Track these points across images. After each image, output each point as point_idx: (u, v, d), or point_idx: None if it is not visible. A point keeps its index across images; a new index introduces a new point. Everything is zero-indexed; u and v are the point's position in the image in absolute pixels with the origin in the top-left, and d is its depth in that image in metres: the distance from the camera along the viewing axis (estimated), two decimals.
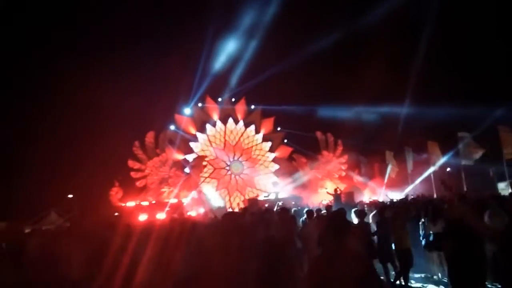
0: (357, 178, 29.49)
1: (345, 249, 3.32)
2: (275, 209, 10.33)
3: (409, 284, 7.94)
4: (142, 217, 15.21)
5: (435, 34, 25.67)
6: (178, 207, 21.68)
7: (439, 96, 25.91)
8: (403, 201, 14.52)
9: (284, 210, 7.78)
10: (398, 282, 7.71)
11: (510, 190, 16.78)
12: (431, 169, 24.39)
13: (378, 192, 26.63)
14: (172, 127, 28.17)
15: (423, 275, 8.82)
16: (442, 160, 24.16)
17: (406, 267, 7.65)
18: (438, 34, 25.82)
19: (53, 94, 24.93)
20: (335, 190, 20.98)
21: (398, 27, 27.09)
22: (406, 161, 27.18)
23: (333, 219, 3.61)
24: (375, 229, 8.43)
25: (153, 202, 23.25)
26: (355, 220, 8.38)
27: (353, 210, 8.68)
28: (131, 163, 26.54)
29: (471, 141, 21.80)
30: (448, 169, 26.02)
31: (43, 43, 24.85)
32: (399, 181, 27.61)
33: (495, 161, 21.90)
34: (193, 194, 25.80)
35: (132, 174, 26.49)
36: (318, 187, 28.67)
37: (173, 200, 23.44)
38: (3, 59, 23.71)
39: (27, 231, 11.46)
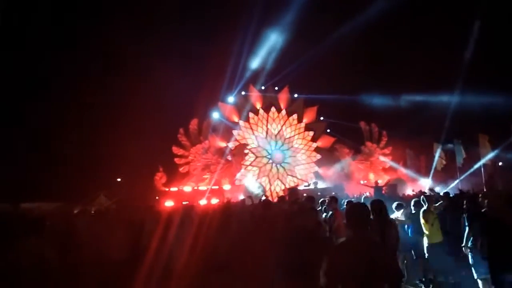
0: (402, 170, 28.63)
1: (364, 239, 3.38)
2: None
3: None
4: (168, 203, 15.81)
5: (489, 19, 24.09)
6: (219, 194, 22.21)
7: (491, 86, 24.40)
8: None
9: (309, 199, 7.75)
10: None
11: None
12: (480, 163, 23.20)
13: (423, 185, 25.72)
14: (215, 115, 28.60)
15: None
16: (492, 153, 22.89)
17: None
18: (491, 19, 24.20)
19: (105, 82, 26.08)
20: (376, 182, 20.52)
21: (447, 9, 25.68)
22: (456, 154, 26.03)
23: (353, 210, 3.55)
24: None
25: (195, 188, 23.91)
26: (396, 214, 8.26)
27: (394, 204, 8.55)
28: (175, 149, 27.31)
29: None
30: (500, 163, 24.66)
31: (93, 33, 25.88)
32: (447, 175, 26.54)
33: None
34: (234, 181, 26.23)
35: (176, 160, 27.25)
36: (361, 178, 28.18)
37: (214, 187, 23.97)
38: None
39: (75, 211, 12.03)
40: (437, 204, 8.32)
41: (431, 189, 12.04)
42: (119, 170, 26.55)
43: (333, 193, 22.77)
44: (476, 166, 23.78)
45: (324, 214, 8.37)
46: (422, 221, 7.75)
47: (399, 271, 3.40)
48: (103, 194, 22.34)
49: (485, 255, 5.30)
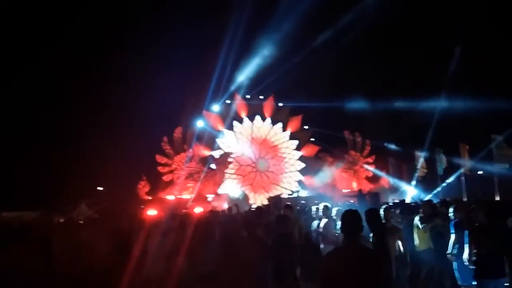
0: (385, 179, 28.98)
1: (356, 246, 3.42)
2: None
3: None
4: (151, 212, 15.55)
5: (471, 29, 24.76)
6: (203, 202, 22.04)
7: (473, 95, 25.05)
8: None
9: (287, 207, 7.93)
10: None
11: None
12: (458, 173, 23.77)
13: (405, 193, 26.09)
14: (200, 123, 28.49)
15: None
16: (470, 163, 23.47)
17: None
18: (473, 29, 24.87)
19: (85, 90, 25.79)
20: (359, 190, 20.71)
21: (432, 17, 26.24)
22: (437, 162, 26.53)
23: (345, 217, 3.59)
24: None
25: (179, 196, 23.69)
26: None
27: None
28: (158, 158, 27.07)
29: (503, 144, 21.04)
30: (480, 172, 25.19)
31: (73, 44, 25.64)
32: (428, 183, 26.99)
33: None
34: (218, 189, 26.10)
35: (160, 168, 27.01)
36: (344, 187, 28.41)
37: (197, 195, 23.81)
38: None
39: (61, 220, 11.81)
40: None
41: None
42: (101, 179, 26.16)
43: (316, 201, 22.89)
44: (455, 175, 24.30)
45: (317, 221, 8.31)
46: (419, 227, 7.77)
47: (390, 279, 3.49)
48: (85, 203, 21.95)
49: (472, 262, 5.39)
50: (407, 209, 10.75)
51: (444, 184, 25.55)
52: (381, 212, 6.36)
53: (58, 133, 24.66)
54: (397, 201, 17.60)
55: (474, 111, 23.63)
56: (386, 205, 8.39)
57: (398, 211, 9.89)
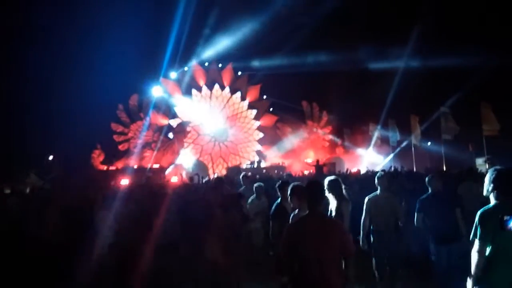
0: (340, 149, 29.84)
1: (316, 215, 3.54)
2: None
3: None
4: (124, 181, 15.14)
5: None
6: (159, 172, 21.77)
7: (424, 70, 25.96)
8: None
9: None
10: None
11: (487, 166, 17.18)
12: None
13: (360, 163, 27.02)
14: (157, 91, 27.67)
15: None
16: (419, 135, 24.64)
17: None
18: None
19: (35, 52, 24.14)
20: (317, 161, 21.18)
21: None
22: (390, 133, 27.56)
23: (307, 188, 3.72)
24: None
25: (135, 167, 23.20)
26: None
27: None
28: (114, 125, 26.18)
29: (450, 117, 22.15)
30: (429, 143, 26.45)
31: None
32: (382, 154, 28.11)
33: (474, 137, 22.34)
34: (176, 159, 25.79)
35: (115, 137, 26.19)
36: (302, 157, 28.95)
37: (155, 165, 23.45)
38: None
39: (6, 191, 11.29)
40: None
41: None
42: (51, 148, 25.04)
43: (276, 171, 23.28)
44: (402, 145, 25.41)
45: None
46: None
47: (352, 245, 3.56)
48: (33, 172, 21.04)
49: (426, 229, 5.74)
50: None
51: (393, 154, 26.68)
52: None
53: (5, 99, 23.11)
54: (353, 171, 18.16)
55: (426, 85, 24.59)
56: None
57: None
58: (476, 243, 3.29)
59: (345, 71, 27.04)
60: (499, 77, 24.71)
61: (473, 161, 22.54)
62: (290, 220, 4.73)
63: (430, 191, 5.80)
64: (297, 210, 4.71)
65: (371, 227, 5.93)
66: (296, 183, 4.97)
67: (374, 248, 5.82)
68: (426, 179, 5.97)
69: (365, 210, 5.98)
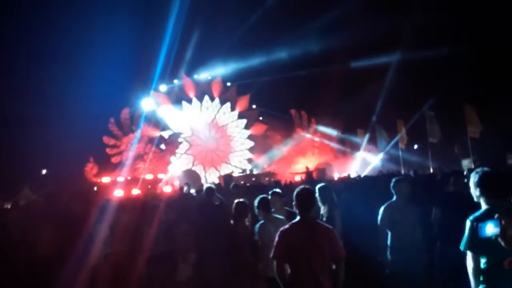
0: (330, 155, 30.35)
1: (307, 221, 3.67)
2: None
3: None
4: (118, 193, 15.39)
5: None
6: (153, 183, 22.04)
7: (409, 75, 26.61)
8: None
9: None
10: None
11: (473, 167, 17.75)
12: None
13: (350, 168, 27.51)
14: (148, 104, 28.04)
15: None
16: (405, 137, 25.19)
17: None
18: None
19: (28, 69, 24.44)
20: (306, 168, 21.61)
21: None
22: (377, 138, 28.17)
23: (298, 194, 3.79)
24: None
25: (128, 178, 23.42)
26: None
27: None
28: (106, 139, 26.42)
29: (435, 119, 22.76)
30: (416, 146, 27.10)
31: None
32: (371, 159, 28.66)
33: (459, 139, 22.96)
34: (169, 170, 26.07)
35: (108, 150, 26.42)
36: (292, 164, 29.40)
37: (148, 176, 23.69)
38: None
39: (6, 206, 11.37)
40: None
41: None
42: (45, 162, 25.19)
43: (267, 178, 23.68)
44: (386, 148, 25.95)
45: None
46: None
47: (342, 250, 3.62)
48: (27, 186, 21.14)
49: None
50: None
51: (382, 158, 27.24)
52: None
53: None
54: (343, 176, 18.60)
55: (411, 89, 25.19)
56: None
57: None
58: (469, 254, 2.94)
59: (332, 78, 27.65)
60: (482, 79, 25.41)
61: (459, 162, 23.17)
62: (256, 230, 4.94)
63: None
64: (263, 220, 4.94)
65: (389, 243, 5.12)
66: (262, 195, 5.15)
67: (393, 267, 5.02)
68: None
69: (381, 222, 5.17)
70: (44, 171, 25.51)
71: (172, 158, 27.40)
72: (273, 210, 5.20)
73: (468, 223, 2.92)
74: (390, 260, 5.04)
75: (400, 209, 5.03)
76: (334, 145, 31.26)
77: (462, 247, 2.94)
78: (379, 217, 5.18)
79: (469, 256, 2.93)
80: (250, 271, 5.17)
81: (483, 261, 2.83)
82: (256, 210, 5.07)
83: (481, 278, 2.84)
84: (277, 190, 5.61)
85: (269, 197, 5.35)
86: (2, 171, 21.33)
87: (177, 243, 6.02)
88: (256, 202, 5.08)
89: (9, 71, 23.88)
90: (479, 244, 2.77)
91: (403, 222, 4.95)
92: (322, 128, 31.20)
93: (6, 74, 23.83)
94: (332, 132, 31.00)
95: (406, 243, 4.90)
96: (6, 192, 19.60)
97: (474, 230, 2.80)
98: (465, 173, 7.72)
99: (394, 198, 5.18)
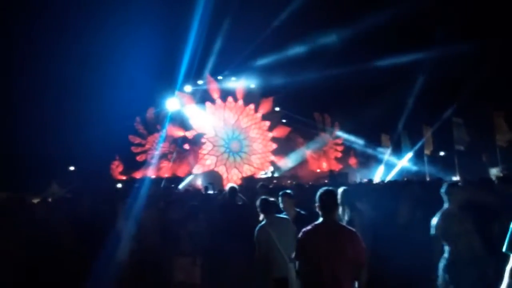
0: (352, 159, 30.13)
1: (331, 223, 3.65)
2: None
3: None
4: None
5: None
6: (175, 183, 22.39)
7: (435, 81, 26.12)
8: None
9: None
10: None
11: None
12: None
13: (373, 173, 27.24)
14: (173, 104, 28.47)
15: None
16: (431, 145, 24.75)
17: None
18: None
19: (57, 70, 25.19)
20: (330, 171, 21.54)
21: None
22: (402, 144, 27.78)
23: (321, 196, 3.74)
24: None
25: (153, 177, 23.87)
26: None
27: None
28: (131, 137, 27.01)
29: (463, 127, 22.26)
30: (442, 153, 26.59)
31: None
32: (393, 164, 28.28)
33: (487, 147, 22.41)
34: (192, 170, 26.43)
35: (133, 148, 26.99)
36: (315, 167, 29.34)
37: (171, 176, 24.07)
38: None
39: (35, 201, 11.66)
40: None
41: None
42: (72, 159, 25.92)
43: (289, 181, 23.68)
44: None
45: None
46: None
47: (364, 256, 3.58)
48: (55, 182, 21.78)
49: None
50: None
51: (406, 165, 26.81)
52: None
53: (30, 113, 24.13)
54: (365, 180, 18.43)
55: (439, 95, 24.70)
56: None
57: None
58: None
59: (357, 83, 27.44)
60: None
61: (487, 171, 22.60)
62: (255, 233, 4.91)
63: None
64: (264, 221, 4.97)
65: (447, 258, 4.44)
66: (263, 197, 5.13)
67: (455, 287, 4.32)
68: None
69: (436, 233, 4.52)
70: (71, 168, 26.24)
71: (195, 159, 27.72)
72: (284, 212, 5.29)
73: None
74: (448, 279, 4.35)
75: (457, 218, 4.43)
76: (357, 149, 31.02)
77: (505, 249, 2.87)
78: (433, 228, 4.53)
79: None
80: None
81: None
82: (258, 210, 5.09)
83: None
84: (288, 191, 5.66)
85: (280, 198, 5.42)
86: (33, 167, 22.07)
87: (181, 244, 5.89)
88: (258, 204, 5.08)
89: (43, 71, 24.70)
90: None
91: (463, 233, 4.34)
92: (346, 132, 30.93)
93: (40, 74, 24.65)
94: (356, 137, 30.69)
95: (468, 257, 4.27)
96: (36, 187, 20.30)
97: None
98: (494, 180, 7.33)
99: (447, 205, 4.59)
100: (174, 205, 8.09)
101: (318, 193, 3.77)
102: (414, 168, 26.64)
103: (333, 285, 3.42)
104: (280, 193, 5.50)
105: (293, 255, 3.77)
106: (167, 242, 6.38)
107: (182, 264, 5.97)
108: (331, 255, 3.44)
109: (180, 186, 21.24)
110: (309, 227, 3.72)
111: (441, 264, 4.43)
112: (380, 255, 4.99)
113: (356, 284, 3.61)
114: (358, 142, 30.70)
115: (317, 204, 3.74)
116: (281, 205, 5.41)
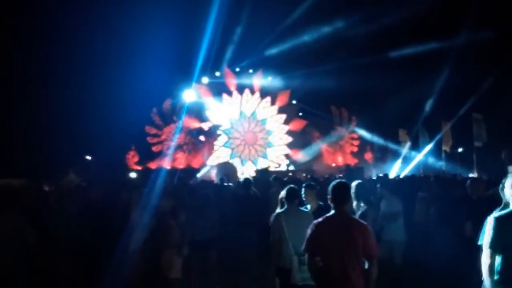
0: (368, 154, 29.82)
1: (344, 215, 3.69)
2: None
3: None
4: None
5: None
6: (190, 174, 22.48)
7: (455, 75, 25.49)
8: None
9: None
10: None
11: None
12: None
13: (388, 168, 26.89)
14: (189, 95, 28.53)
15: None
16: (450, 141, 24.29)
17: None
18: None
19: (72, 60, 25.48)
20: (346, 165, 21.37)
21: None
22: (420, 138, 27.33)
23: (334, 188, 3.76)
24: None
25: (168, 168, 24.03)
26: None
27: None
28: (148, 128, 27.24)
29: (483, 123, 21.80)
30: (460, 149, 26.08)
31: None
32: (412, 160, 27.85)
33: (507, 144, 21.91)
34: (208, 161, 26.52)
35: (149, 139, 27.23)
36: (330, 161, 29.13)
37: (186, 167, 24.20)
38: None
39: (48, 189, 11.74)
40: None
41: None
42: (89, 148, 26.25)
43: (304, 174, 23.58)
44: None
45: None
46: None
47: (376, 249, 3.61)
48: (72, 171, 22.08)
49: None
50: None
51: (423, 160, 26.38)
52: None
53: (49, 102, 24.49)
54: (381, 175, 18.22)
55: (458, 91, 24.13)
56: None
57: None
58: (486, 252, 2.96)
59: (376, 77, 26.99)
60: None
61: (506, 168, 22.10)
62: (271, 219, 5.06)
63: None
64: (280, 210, 5.06)
65: (498, 270, 3.06)
66: (291, 185, 5.20)
67: None
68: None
69: (492, 240, 3.09)
70: (88, 157, 26.59)
71: (210, 150, 27.81)
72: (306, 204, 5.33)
73: (492, 221, 2.94)
74: None
75: None
76: (374, 143, 30.62)
77: (488, 245, 2.93)
78: (487, 233, 3.20)
79: (486, 253, 2.95)
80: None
81: (498, 259, 2.89)
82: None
83: (497, 277, 2.90)
84: (311, 183, 5.64)
85: (303, 189, 5.41)
86: (50, 156, 22.43)
87: (172, 234, 5.82)
88: (284, 192, 5.11)
89: (62, 63, 24.97)
90: (502, 243, 2.85)
91: None
92: (363, 127, 30.57)
93: (59, 66, 24.93)
94: (373, 132, 30.30)
95: None
96: (53, 176, 20.61)
97: (501, 229, 2.86)
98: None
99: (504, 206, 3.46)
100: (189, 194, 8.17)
101: (331, 186, 3.80)
102: (432, 163, 26.20)
103: (341, 278, 3.43)
104: (303, 184, 5.52)
105: (303, 247, 3.76)
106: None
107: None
108: (341, 247, 3.45)
109: (198, 176, 21.31)
110: (320, 219, 3.74)
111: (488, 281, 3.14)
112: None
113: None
114: (375, 136, 30.32)
115: (329, 197, 3.76)
116: (303, 197, 5.38)
